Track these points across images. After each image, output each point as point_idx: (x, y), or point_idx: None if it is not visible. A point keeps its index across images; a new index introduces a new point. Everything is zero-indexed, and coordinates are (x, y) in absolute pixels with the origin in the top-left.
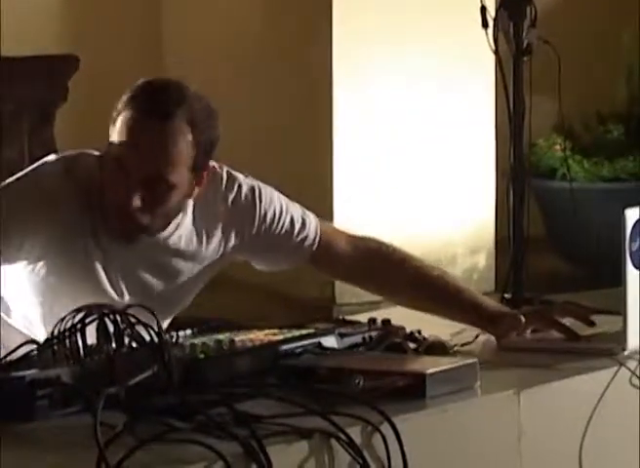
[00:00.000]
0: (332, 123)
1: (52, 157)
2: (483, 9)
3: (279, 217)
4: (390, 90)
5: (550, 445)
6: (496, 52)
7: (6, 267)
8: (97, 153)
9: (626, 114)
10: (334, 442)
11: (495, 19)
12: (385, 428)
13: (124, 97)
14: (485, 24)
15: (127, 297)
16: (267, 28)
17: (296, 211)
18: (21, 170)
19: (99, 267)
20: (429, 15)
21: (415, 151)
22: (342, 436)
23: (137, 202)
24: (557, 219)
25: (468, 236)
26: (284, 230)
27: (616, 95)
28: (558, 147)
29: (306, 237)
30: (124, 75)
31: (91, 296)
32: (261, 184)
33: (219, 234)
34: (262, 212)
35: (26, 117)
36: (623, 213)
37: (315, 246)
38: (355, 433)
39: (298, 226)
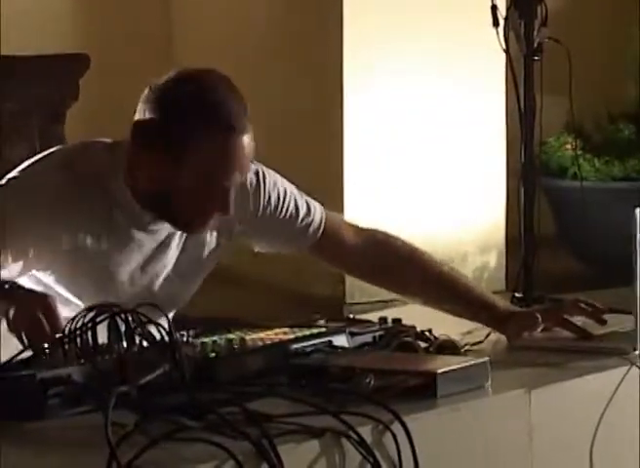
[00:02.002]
0: (342, 123)
1: (57, 150)
2: (494, 8)
3: (284, 201)
4: (401, 89)
5: (561, 444)
6: (506, 51)
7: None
8: (104, 141)
9: (637, 113)
10: (344, 441)
11: (505, 19)
12: (396, 427)
13: (182, 105)
14: (496, 23)
15: (136, 287)
16: (278, 27)
17: (300, 197)
18: None
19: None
20: (440, 14)
21: (425, 150)
22: (353, 435)
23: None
24: (568, 218)
25: (479, 235)
26: (289, 214)
27: (627, 94)
28: (569, 146)
29: (312, 222)
30: (134, 74)
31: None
32: (265, 168)
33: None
34: (267, 195)
35: (37, 116)
36: (634, 211)
37: (320, 232)
38: (366, 432)
39: (303, 211)
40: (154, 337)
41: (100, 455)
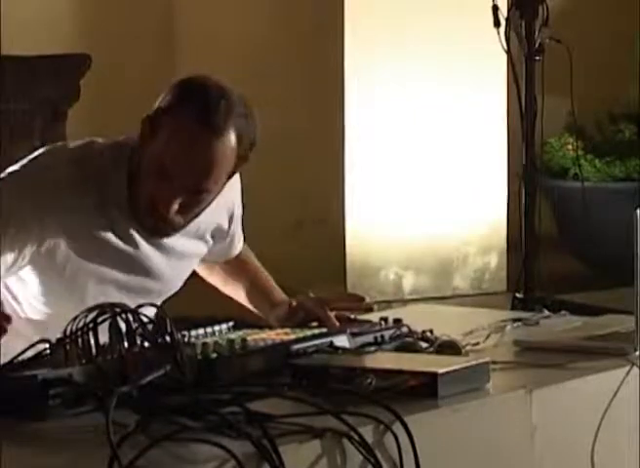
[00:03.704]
0: (344, 123)
1: (56, 145)
2: (495, 8)
3: (240, 215)
4: (403, 90)
5: (562, 444)
6: (508, 51)
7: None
8: (102, 140)
9: (639, 114)
10: (346, 441)
11: (507, 19)
12: (397, 427)
13: (174, 97)
14: (497, 24)
15: (133, 278)
16: (279, 28)
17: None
18: None
19: (112, 248)
20: (441, 15)
21: (427, 151)
22: (354, 435)
23: (175, 207)
24: (569, 219)
25: (480, 236)
26: (239, 228)
27: (628, 94)
28: (570, 147)
29: (237, 245)
30: (135, 74)
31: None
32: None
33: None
34: (239, 205)
35: (39, 116)
36: (635, 212)
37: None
38: (367, 432)
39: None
40: (155, 338)
41: (101, 455)
